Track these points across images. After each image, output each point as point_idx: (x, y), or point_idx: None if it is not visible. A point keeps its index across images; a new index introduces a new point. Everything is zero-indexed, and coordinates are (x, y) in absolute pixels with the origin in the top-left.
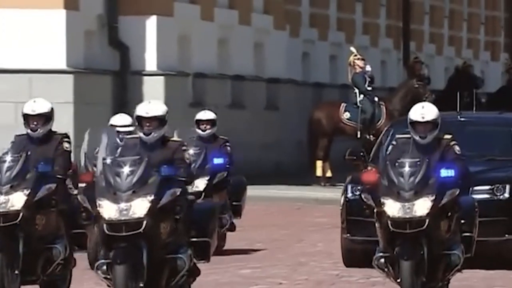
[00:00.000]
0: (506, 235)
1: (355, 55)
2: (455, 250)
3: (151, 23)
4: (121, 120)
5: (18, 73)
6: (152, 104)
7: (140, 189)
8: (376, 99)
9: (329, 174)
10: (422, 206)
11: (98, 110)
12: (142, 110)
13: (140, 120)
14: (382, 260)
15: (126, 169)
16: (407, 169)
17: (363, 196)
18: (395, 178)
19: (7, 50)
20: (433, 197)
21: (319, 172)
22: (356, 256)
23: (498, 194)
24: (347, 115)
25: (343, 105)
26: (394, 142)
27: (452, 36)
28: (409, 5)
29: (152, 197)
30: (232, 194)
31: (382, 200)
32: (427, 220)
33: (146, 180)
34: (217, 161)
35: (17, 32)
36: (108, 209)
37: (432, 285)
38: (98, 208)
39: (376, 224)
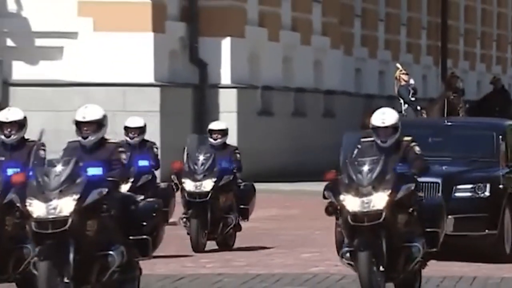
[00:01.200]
0: (487, 230)
1: (401, 70)
2: (415, 243)
3: (226, 43)
4: (133, 122)
5: (113, 86)
6: (89, 108)
7: (67, 188)
8: (418, 108)
9: None
10: (379, 200)
11: (181, 119)
12: (79, 115)
13: (78, 124)
14: (348, 254)
15: (56, 169)
16: (366, 166)
17: (325, 193)
18: (354, 175)
19: (104, 66)
20: (389, 192)
21: None
22: None
23: (479, 192)
24: None
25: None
26: (359, 146)
27: (483, 54)
28: (447, 28)
29: (78, 196)
30: (241, 198)
31: (342, 196)
32: (383, 213)
33: (74, 180)
34: (224, 165)
35: (113, 51)
36: (36, 208)
37: (393, 275)
38: (27, 207)
39: (339, 220)
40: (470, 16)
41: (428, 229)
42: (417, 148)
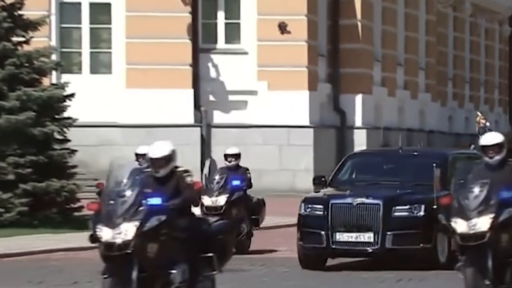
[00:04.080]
0: (421, 244)
1: (480, 116)
2: (177, 268)
3: (358, 98)
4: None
5: (281, 128)
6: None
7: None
8: None
9: None
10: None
11: (327, 150)
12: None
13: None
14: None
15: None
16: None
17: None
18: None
19: (275, 114)
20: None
21: None
22: (309, 260)
23: (415, 212)
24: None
25: (472, 146)
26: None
27: None
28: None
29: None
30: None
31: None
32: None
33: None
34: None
35: (281, 103)
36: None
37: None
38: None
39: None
40: None
41: (204, 254)
42: (188, 179)
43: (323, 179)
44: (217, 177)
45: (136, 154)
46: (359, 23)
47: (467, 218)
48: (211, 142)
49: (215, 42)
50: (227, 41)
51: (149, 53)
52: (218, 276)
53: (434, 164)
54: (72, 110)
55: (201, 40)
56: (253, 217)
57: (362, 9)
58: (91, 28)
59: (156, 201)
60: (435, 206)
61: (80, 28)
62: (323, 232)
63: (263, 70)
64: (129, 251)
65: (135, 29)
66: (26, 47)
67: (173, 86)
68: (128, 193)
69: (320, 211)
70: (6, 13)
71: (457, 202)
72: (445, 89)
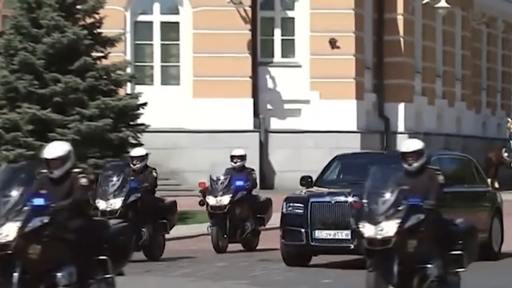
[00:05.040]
0: None
1: (511, 123)
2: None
3: (401, 106)
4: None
5: (329, 133)
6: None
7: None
8: None
9: (496, 185)
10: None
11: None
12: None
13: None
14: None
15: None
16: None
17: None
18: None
19: (326, 121)
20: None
21: (491, 185)
22: (292, 257)
23: None
24: (505, 154)
25: (503, 149)
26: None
27: None
28: None
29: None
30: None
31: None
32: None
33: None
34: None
35: (331, 112)
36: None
37: None
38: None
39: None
40: None
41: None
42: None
43: (309, 179)
44: (222, 177)
45: (131, 157)
46: (401, 39)
47: (374, 222)
48: (268, 146)
49: (272, 56)
50: (283, 55)
51: (213, 66)
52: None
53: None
54: (145, 117)
55: (260, 54)
56: (258, 215)
57: (404, 26)
58: (161, 44)
59: (39, 201)
60: None
61: (152, 44)
62: (303, 230)
63: (315, 81)
64: (10, 252)
65: (201, 45)
66: (104, 62)
67: (234, 96)
68: (13, 193)
69: (301, 209)
70: (87, 31)
71: (367, 206)
72: (479, 98)
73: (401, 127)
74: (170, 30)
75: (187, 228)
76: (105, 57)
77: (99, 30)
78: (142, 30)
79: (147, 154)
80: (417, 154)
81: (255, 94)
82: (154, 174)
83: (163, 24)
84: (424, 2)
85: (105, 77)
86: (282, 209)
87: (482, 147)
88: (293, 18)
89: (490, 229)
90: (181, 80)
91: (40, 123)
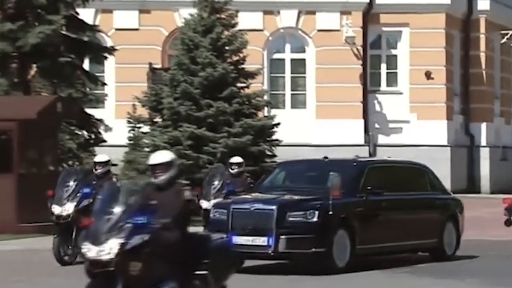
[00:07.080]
0: (313, 249)
1: None
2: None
3: (483, 125)
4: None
5: (425, 147)
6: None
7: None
8: None
9: None
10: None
11: (460, 165)
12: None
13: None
14: None
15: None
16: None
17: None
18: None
19: (419, 136)
20: (122, 240)
21: None
22: None
23: (310, 217)
24: None
25: None
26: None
27: None
28: None
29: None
30: None
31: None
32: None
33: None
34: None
35: (423, 131)
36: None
37: None
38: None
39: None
40: None
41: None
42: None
43: (251, 185)
44: (215, 182)
45: (95, 162)
46: (483, 72)
47: (98, 242)
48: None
49: (379, 85)
50: (388, 84)
51: (332, 94)
52: None
53: (331, 173)
54: (278, 134)
55: (369, 84)
56: None
57: (486, 61)
58: (291, 77)
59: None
60: (331, 212)
61: (284, 76)
62: (224, 235)
63: (414, 105)
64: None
65: (322, 77)
66: (246, 91)
67: (349, 117)
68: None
69: (224, 215)
70: (233, 66)
71: (93, 225)
72: None
73: (483, 142)
74: (298, 65)
75: None
76: (247, 87)
77: (242, 66)
78: (276, 65)
79: (109, 160)
80: (165, 166)
81: (365, 116)
82: (114, 179)
83: (293, 60)
84: (502, 42)
85: (247, 103)
86: (211, 214)
87: None
88: (396, 55)
89: (442, 234)
90: (307, 104)
91: (196, 139)
